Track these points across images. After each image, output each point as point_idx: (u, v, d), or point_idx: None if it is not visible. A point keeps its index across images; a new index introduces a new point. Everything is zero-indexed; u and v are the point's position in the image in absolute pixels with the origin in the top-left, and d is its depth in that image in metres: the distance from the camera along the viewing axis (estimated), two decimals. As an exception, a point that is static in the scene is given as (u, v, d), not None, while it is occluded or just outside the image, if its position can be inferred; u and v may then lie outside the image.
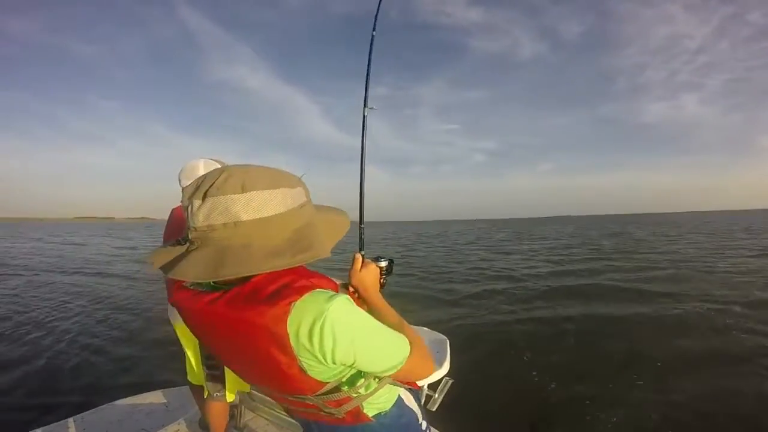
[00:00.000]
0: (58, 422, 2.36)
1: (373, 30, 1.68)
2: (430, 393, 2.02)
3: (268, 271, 0.68)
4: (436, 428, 2.18)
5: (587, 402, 3.75)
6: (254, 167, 0.72)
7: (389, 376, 0.84)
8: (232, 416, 2.33)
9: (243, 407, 2.32)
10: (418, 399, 1.09)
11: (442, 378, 1.93)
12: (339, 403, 0.84)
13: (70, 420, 2.39)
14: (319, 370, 0.75)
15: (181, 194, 1.71)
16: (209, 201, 0.68)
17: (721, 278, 10.28)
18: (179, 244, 0.73)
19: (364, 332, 0.75)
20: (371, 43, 1.66)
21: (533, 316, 7.21)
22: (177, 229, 1.77)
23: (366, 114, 1.49)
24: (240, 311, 0.70)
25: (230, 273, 0.66)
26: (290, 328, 0.68)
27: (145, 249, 23.68)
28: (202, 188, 0.69)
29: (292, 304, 0.68)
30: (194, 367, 1.99)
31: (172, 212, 1.87)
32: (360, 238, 1.24)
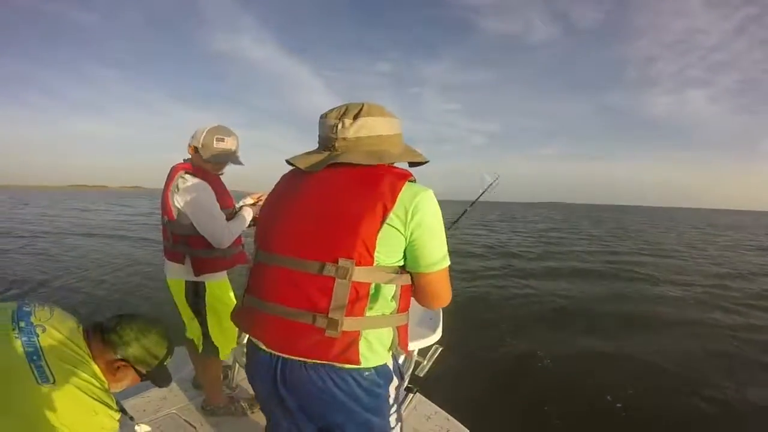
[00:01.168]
0: None
1: None
2: (420, 359, 2.07)
3: (404, 160, 1.04)
4: (423, 395, 2.25)
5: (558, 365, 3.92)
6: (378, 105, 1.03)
7: (427, 275, 0.97)
8: (225, 376, 2.39)
9: (237, 367, 2.38)
10: (401, 374, 1.08)
11: (433, 345, 1.97)
12: (356, 300, 0.90)
13: None
14: (390, 234, 0.90)
15: (187, 154, 1.72)
16: (360, 120, 0.97)
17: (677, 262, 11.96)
18: (316, 153, 1.03)
19: (440, 222, 0.97)
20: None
21: (513, 286, 7.77)
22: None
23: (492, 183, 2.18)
24: (372, 170, 0.95)
25: (386, 161, 0.98)
26: (405, 188, 0.92)
27: (148, 215, 23.70)
28: (351, 112, 0.98)
29: (411, 179, 0.96)
30: (186, 322, 2.05)
31: (171, 169, 1.94)
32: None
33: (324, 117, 1.01)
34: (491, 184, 2.14)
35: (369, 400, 0.96)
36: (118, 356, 1.12)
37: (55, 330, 1.05)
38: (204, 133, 1.90)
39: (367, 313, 0.92)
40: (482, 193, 2.20)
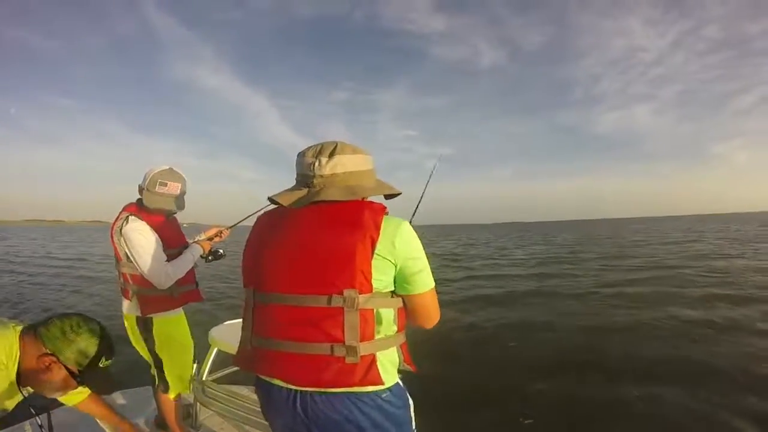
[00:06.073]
0: (12, 426, 2.36)
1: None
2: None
3: (378, 194, 1.12)
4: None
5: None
6: (350, 144, 1.12)
7: (418, 296, 1.06)
8: (188, 415, 2.38)
9: (198, 405, 2.36)
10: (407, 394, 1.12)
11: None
12: (366, 326, 0.96)
13: (27, 423, 2.39)
14: (381, 263, 0.98)
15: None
16: (335, 158, 1.06)
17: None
18: (296, 190, 1.09)
19: (421, 247, 1.06)
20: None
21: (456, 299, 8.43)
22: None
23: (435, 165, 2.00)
24: (351, 206, 1.03)
25: (359, 196, 1.06)
26: (385, 221, 1.01)
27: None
28: (326, 150, 1.07)
29: (386, 212, 1.05)
30: (144, 357, 2.08)
31: (122, 208, 1.99)
32: None
33: (302, 156, 1.09)
34: (435, 166, 2.16)
35: (390, 421, 1.01)
36: (48, 350, 1.13)
37: None
38: (150, 177, 1.93)
39: (377, 336, 0.99)
40: (429, 178, 2.22)
